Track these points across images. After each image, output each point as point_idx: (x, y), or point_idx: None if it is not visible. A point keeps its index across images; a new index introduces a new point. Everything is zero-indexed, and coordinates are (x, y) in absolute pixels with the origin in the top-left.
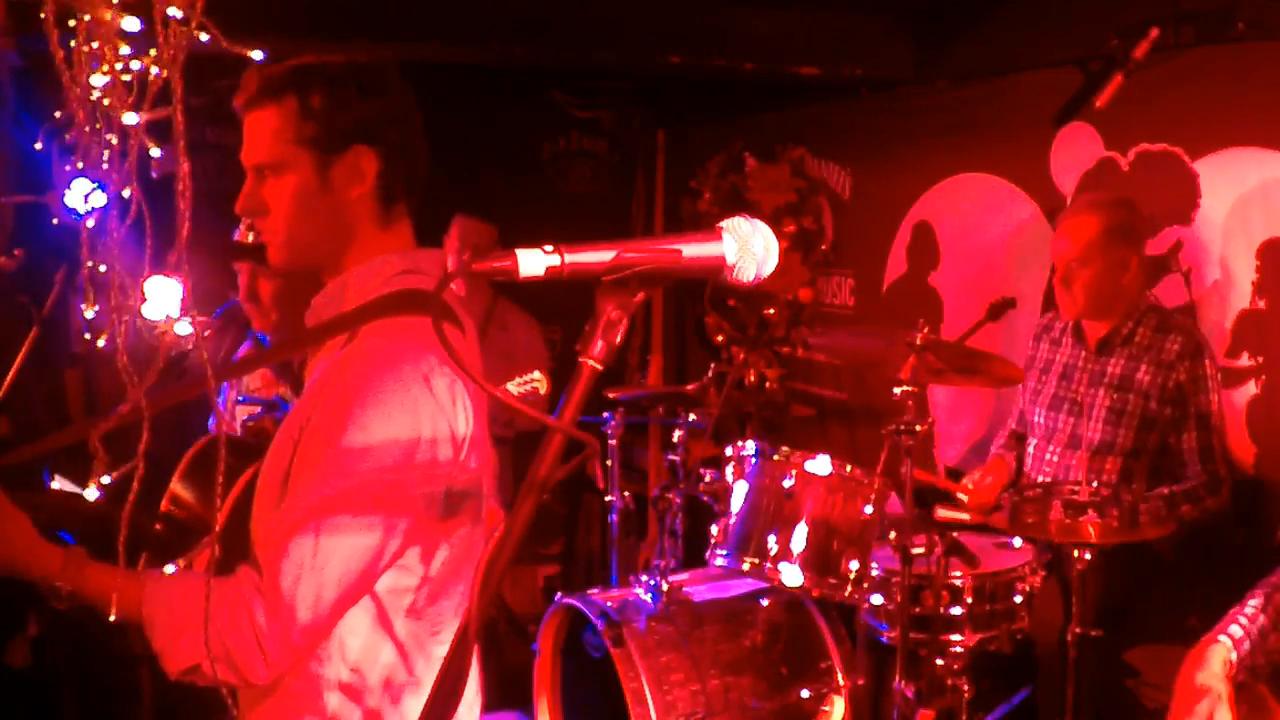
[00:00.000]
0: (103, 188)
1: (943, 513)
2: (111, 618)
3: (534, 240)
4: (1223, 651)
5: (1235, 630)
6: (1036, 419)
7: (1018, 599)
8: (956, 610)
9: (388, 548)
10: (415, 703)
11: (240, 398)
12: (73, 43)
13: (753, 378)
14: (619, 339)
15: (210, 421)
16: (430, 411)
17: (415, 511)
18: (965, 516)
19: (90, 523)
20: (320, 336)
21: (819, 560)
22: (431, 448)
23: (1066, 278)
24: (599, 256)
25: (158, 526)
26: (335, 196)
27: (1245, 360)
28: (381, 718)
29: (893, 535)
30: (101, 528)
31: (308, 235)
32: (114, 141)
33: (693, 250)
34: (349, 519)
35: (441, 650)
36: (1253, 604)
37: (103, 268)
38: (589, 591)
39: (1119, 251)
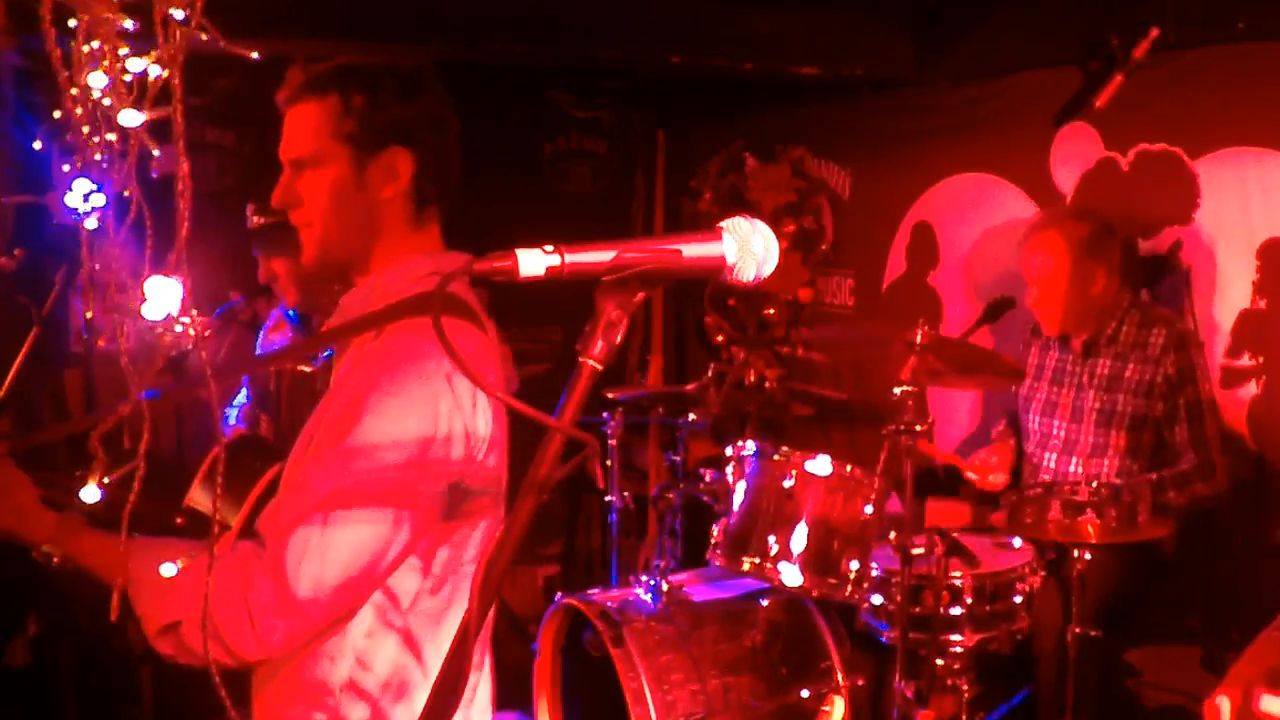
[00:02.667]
0: (102, 188)
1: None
2: (112, 618)
3: (534, 240)
4: None
5: None
6: (1031, 425)
7: (1018, 599)
8: (956, 610)
9: (395, 540)
10: (423, 697)
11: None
12: (72, 43)
13: (753, 378)
14: (619, 339)
15: (234, 418)
16: (449, 409)
17: (427, 506)
18: (962, 512)
19: (98, 509)
20: (347, 334)
21: (819, 560)
22: (447, 445)
23: (1038, 298)
24: (599, 256)
25: (179, 520)
26: (369, 195)
27: (1245, 360)
28: (390, 717)
29: (893, 535)
30: (110, 516)
31: (340, 231)
32: (114, 141)
33: (693, 250)
34: (359, 507)
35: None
36: None
37: (98, 266)
38: (589, 591)
39: (1084, 267)
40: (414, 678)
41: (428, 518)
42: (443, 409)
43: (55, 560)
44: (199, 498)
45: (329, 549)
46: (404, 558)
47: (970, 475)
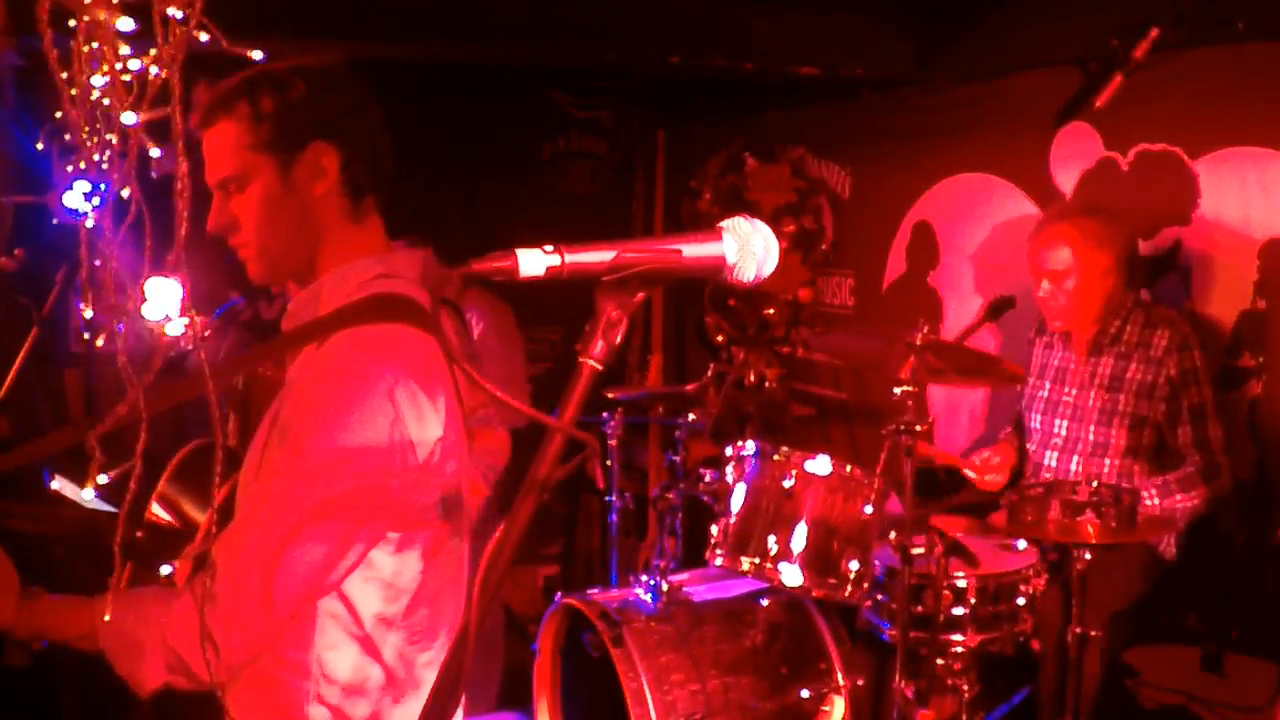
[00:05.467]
0: (101, 188)
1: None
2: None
3: (534, 240)
4: None
5: None
6: (1033, 424)
7: (1021, 601)
8: (959, 611)
9: (344, 556)
10: (401, 711)
11: None
12: (72, 43)
13: (753, 378)
14: (619, 339)
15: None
16: (392, 425)
17: (379, 520)
18: (963, 515)
19: (80, 528)
20: (292, 345)
21: (819, 560)
22: (394, 459)
23: (1049, 293)
24: (599, 256)
25: (140, 535)
26: (300, 196)
27: (1246, 360)
28: None
29: (893, 535)
30: (92, 533)
31: (280, 241)
32: (114, 141)
33: (693, 250)
34: (305, 526)
35: (425, 657)
36: None
37: (97, 262)
38: (589, 591)
39: (1095, 260)
40: (392, 689)
41: (380, 530)
42: (383, 424)
43: (35, 647)
44: (169, 492)
45: (281, 571)
46: (357, 566)
47: (969, 474)
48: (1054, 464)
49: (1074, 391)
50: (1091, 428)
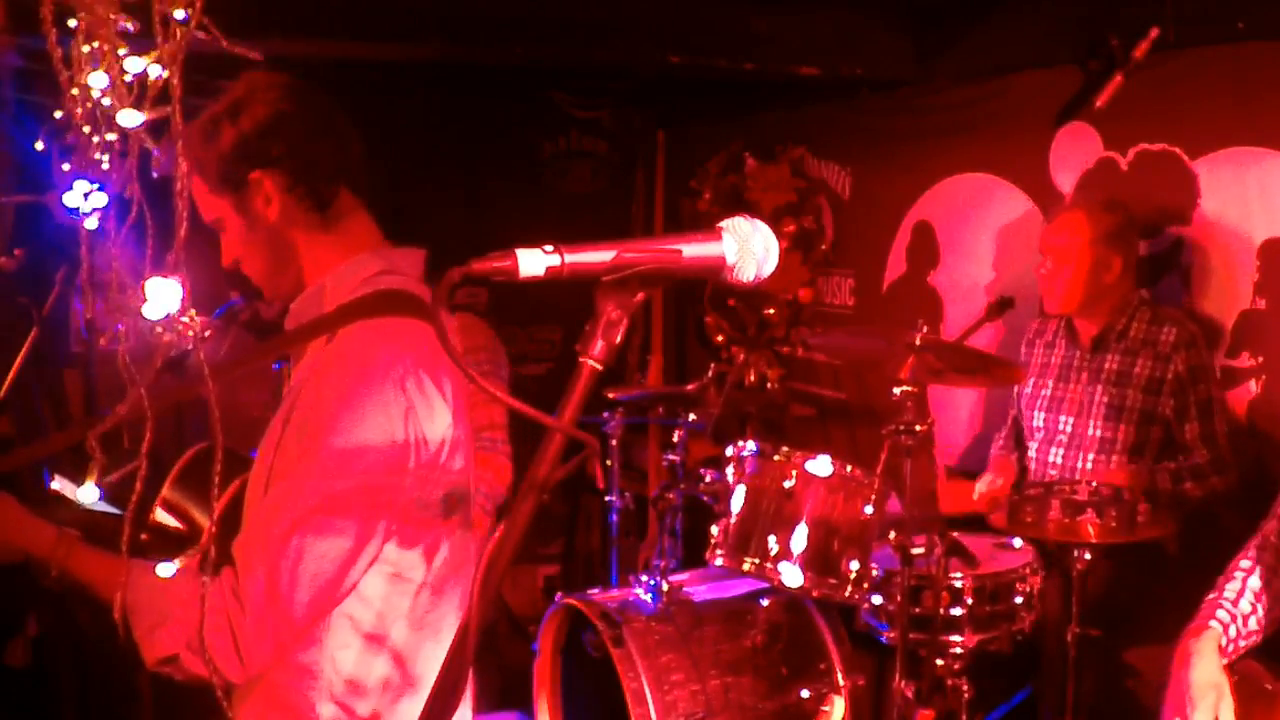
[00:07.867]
0: (102, 188)
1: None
2: (116, 616)
3: (534, 240)
4: (1214, 638)
5: (1222, 615)
6: (1035, 423)
7: (1018, 600)
8: (957, 611)
9: (363, 552)
10: (410, 706)
11: None
12: (72, 42)
13: (753, 378)
14: (619, 339)
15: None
16: (406, 416)
17: (393, 515)
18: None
19: (80, 530)
20: (299, 340)
21: (819, 560)
22: (408, 452)
23: (1050, 272)
24: (599, 256)
25: (144, 537)
26: (263, 223)
27: (1245, 360)
28: None
29: (893, 535)
30: (92, 534)
31: (265, 266)
32: (114, 141)
33: (693, 250)
34: (324, 523)
35: (437, 654)
36: (1230, 588)
37: (98, 265)
38: (589, 591)
39: (1103, 252)
40: (403, 686)
41: (394, 525)
42: (398, 417)
43: (53, 574)
44: (174, 497)
45: (295, 571)
46: (372, 564)
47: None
48: (1059, 460)
49: (1079, 388)
50: (1099, 424)
